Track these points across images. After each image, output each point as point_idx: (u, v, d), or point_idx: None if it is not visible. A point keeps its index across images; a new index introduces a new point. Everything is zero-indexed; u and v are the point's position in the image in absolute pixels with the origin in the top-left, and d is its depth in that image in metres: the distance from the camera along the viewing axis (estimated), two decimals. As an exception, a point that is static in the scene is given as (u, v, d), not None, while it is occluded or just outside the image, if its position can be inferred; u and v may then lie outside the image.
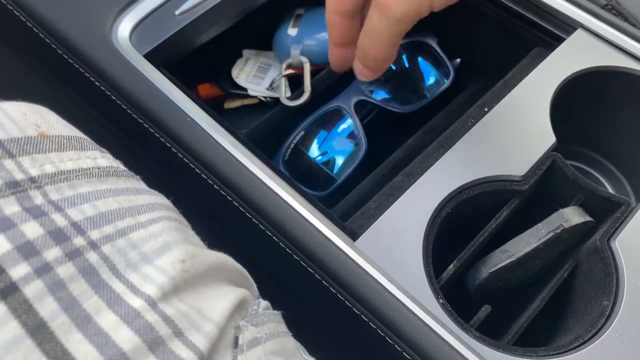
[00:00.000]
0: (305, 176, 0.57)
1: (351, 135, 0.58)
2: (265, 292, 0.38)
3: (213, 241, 0.38)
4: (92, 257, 0.24)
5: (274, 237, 0.45)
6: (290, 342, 0.30)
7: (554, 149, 0.49)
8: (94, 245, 0.24)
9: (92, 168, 0.27)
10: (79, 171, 0.26)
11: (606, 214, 0.47)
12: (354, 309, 0.43)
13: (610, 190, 0.59)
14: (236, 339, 0.27)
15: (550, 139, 0.49)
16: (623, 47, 0.54)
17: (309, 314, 0.50)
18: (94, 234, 0.24)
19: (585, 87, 0.55)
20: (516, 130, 0.50)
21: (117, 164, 0.30)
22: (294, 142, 0.57)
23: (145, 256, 0.25)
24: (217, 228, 0.53)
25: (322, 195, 0.55)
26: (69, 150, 0.27)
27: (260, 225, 0.45)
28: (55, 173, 0.25)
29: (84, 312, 0.22)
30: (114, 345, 0.22)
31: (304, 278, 0.44)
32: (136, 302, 0.23)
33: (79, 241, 0.24)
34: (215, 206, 0.49)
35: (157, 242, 0.26)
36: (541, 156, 0.48)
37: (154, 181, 0.55)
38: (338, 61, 0.49)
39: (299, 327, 0.37)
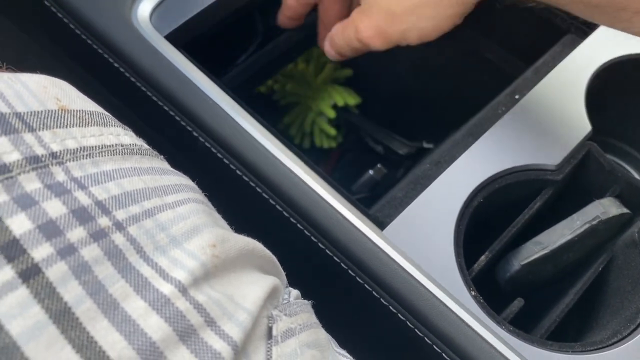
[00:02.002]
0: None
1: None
2: (289, 281, 0.36)
3: (236, 228, 0.36)
4: (118, 238, 0.22)
5: (298, 225, 0.44)
6: (322, 334, 0.29)
7: (590, 137, 0.47)
8: (119, 226, 0.22)
9: (116, 145, 0.26)
10: (102, 147, 0.25)
11: (644, 206, 0.46)
12: (381, 299, 0.41)
13: (644, 183, 0.57)
14: (270, 329, 0.25)
15: (586, 127, 0.48)
16: (661, 34, 0.52)
17: (335, 304, 0.49)
18: (120, 214, 0.23)
19: (618, 76, 0.53)
20: (549, 119, 0.48)
21: (141, 142, 0.28)
22: None
23: (174, 239, 0.24)
24: (239, 215, 0.51)
25: None
26: (91, 125, 0.26)
27: (285, 212, 0.44)
28: (77, 149, 0.24)
29: (111, 297, 0.21)
30: (142, 333, 0.20)
31: (330, 266, 0.43)
32: (166, 288, 0.22)
33: (104, 221, 0.22)
34: (237, 192, 0.47)
35: (185, 224, 0.25)
36: (576, 145, 0.47)
37: (173, 166, 0.53)
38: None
39: (325, 319, 0.35)
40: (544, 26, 0.58)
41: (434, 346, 0.39)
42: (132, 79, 0.49)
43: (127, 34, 0.49)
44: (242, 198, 0.48)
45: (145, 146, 0.28)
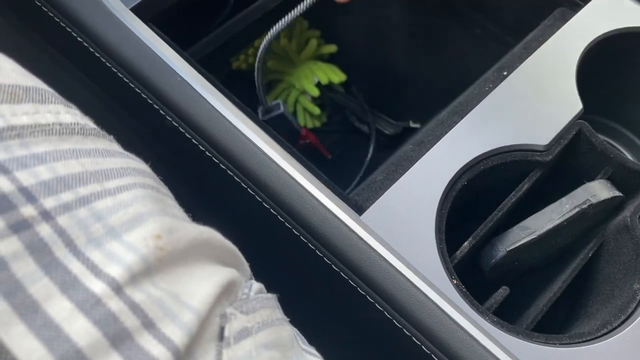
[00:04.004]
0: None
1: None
2: (260, 271, 0.34)
3: (203, 213, 0.33)
4: (44, 230, 0.19)
5: (271, 210, 0.41)
6: (286, 331, 0.26)
7: (580, 116, 0.45)
8: (47, 216, 0.20)
9: (53, 124, 0.23)
10: (35, 127, 0.22)
11: (636, 188, 0.43)
12: (358, 288, 0.39)
13: (637, 164, 0.55)
14: (222, 329, 0.22)
15: (577, 106, 0.45)
16: (656, 7, 0.50)
17: (309, 294, 0.46)
18: (48, 202, 0.20)
19: (613, 51, 0.51)
20: (538, 96, 0.46)
21: (86, 121, 0.25)
22: None
23: (112, 230, 0.21)
24: (208, 199, 0.49)
25: None
26: (25, 102, 0.23)
27: (257, 197, 0.41)
28: (4, 128, 0.21)
29: (30, 298, 0.18)
30: (66, 339, 0.18)
31: (304, 254, 0.40)
32: (97, 287, 0.19)
33: (27, 210, 0.19)
34: (206, 173, 0.45)
35: (127, 213, 0.22)
36: (566, 124, 0.44)
37: (140, 143, 0.50)
38: None
39: (298, 310, 0.33)
40: (535, -1, 0.56)
41: (413, 338, 0.37)
42: (97, 54, 0.46)
43: (90, 6, 0.46)
44: (210, 179, 0.45)
45: (91, 125, 0.26)
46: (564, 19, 0.51)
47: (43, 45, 0.55)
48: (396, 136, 0.76)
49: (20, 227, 0.19)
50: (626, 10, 0.50)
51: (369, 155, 0.74)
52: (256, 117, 0.44)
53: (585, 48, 0.48)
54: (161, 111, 0.44)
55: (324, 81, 0.74)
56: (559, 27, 0.50)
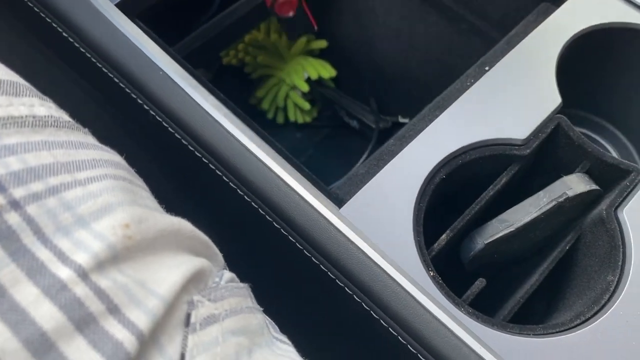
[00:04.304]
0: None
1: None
2: (240, 263, 0.34)
3: (187, 207, 0.34)
4: (13, 218, 0.20)
5: (252, 203, 0.42)
6: (255, 319, 0.27)
7: (559, 111, 0.45)
8: (15, 205, 0.20)
9: (26, 116, 0.24)
10: (7, 119, 0.23)
11: (614, 182, 0.44)
12: (336, 280, 0.39)
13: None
14: (189, 316, 0.23)
15: (556, 100, 0.46)
16: (638, 3, 0.50)
17: (289, 286, 0.47)
18: (18, 192, 0.21)
19: (594, 45, 0.51)
20: (519, 91, 0.46)
21: (60, 114, 0.26)
22: None
23: (81, 219, 0.22)
24: (193, 193, 0.50)
25: None
26: None
27: (239, 190, 0.42)
28: None
29: None
30: (31, 323, 0.19)
31: (285, 247, 0.41)
32: (63, 273, 0.20)
33: None
34: (191, 168, 0.45)
35: (96, 202, 0.22)
36: (545, 118, 0.45)
37: (128, 139, 0.51)
38: None
39: (276, 302, 0.33)
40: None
41: (390, 329, 0.38)
42: (82, 49, 0.46)
43: (75, 1, 0.47)
44: (196, 174, 0.46)
45: (66, 118, 0.26)
46: (547, 14, 0.52)
47: (39, 46, 0.55)
48: (385, 131, 0.76)
49: None
50: (608, 5, 0.51)
51: (366, 154, 0.75)
52: (239, 112, 0.44)
53: (566, 43, 0.49)
54: (145, 106, 0.44)
55: (314, 76, 0.75)
56: (540, 22, 0.51)
